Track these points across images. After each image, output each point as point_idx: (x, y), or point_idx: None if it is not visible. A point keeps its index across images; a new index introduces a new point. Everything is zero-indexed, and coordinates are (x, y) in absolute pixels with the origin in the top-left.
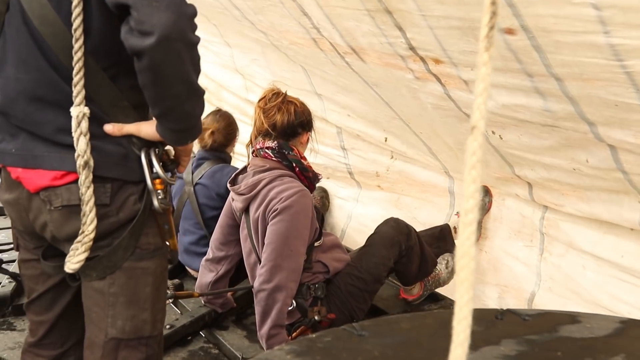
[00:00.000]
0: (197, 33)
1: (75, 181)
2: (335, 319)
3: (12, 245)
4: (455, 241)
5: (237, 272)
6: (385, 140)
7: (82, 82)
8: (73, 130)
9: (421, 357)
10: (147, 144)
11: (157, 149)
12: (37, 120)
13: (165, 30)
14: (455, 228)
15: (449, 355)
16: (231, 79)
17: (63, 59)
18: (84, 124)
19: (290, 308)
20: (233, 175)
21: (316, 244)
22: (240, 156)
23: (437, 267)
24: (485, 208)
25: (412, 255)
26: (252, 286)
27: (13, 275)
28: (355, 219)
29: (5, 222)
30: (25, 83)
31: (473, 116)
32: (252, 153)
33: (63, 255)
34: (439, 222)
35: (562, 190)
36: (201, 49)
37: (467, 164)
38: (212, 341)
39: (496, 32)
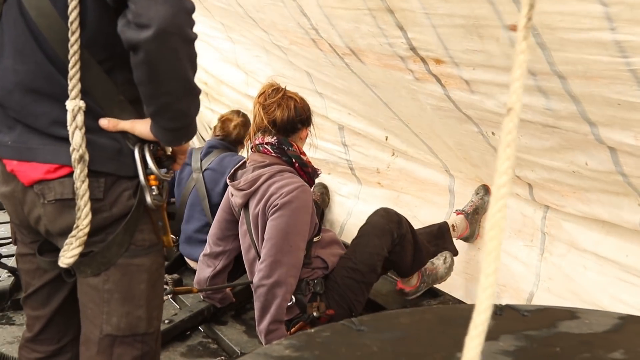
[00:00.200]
0: (201, 28)
1: (69, 175)
2: (335, 314)
3: (11, 240)
4: (453, 239)
5: (236, 267)
6: (386, 139)
7: (77, 76)
8: (68, 124)
9: (420, 352)
10: (142, 140)
11: (151, 145)
12: (32, 112)
13: (163, 23)
14: (453, 226)
15: (473, 317)
16: (232, 74)
17: (59, 51)
18: (80, 118)
19: (289, 304)
20: (232, 171)
21: (315, 239)
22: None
23: (435, 262)
24: (484, 207)
25: (405, 243)
26: (251, 282)
27: (11, 270)
28: (355, 216)
29: (5, 216)
30: (22, 75)
31: (510, 99)
32: (251, 149)
33: (58, 250)
34: (439, 221)
35: (562, 192)
36: (202, 43)
37: (502, 142)
38: (211, 336)
39: (501, 29)
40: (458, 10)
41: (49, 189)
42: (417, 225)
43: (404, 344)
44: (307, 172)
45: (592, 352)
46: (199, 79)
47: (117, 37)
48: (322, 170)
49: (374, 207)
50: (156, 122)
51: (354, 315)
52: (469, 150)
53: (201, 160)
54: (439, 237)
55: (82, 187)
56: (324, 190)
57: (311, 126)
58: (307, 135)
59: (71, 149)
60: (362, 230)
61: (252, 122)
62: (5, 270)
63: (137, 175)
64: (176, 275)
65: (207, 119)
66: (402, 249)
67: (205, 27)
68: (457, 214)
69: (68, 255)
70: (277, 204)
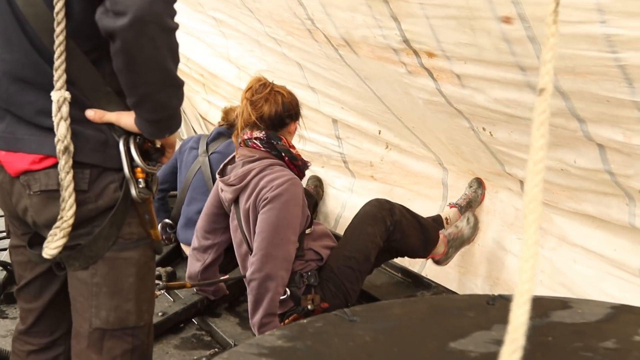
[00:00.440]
0: (192, 23)
1: (54, 166)
2: (330, 306)
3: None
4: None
5: (228, 259)
6: (379, 133)
7: (63, 66)
8: (53, 114)
9: (413, 342)
10: (129, 132)
11: (137, 137)
12: (18, 102)
13: (139, 11)
14: (447, 219)
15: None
16: (224, 68)
17: (45, 41)
18: (65, 109)
19: (283, 297)
20: (222, 166)
21: (307, 231)
22: None
23: (458, 225)
24: (478, 200)
25: (403, 228)
26: (244, 276)
27: (3, 264)
28: (349, 209)
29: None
30: (9, 64)
31: (542, 80)
32: (240, 143)
33: None
34: (432, 214)
35: (552, 190)
36: (193, 39)
37: (536, 121)
38: (204, 328)
39: (493, 21)
40: (452, 1)
41: (35, 180)
42: None
43: (397, 334)
44: (297, 166)
45: (585, 341)
46: (195, 72)
47: None
48: (316, 164)
49: (368, 200)
50: (138, 114)
51: (349, 306)
52: (461, 145)
53: (208, 145)
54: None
55: (66, 178)
56: (318, 183)
57: (300, 119)
58: (295, 129)
59: (56, 139)
60: (355, 220)
61: (239, 117)
62: None
63: (123, 168)
64: (170, 268)
65: (204, 110)
66: (403, 235)
67: (196, 22)
68: (451, 207)
69: (52, 246)
70: (268, 197)
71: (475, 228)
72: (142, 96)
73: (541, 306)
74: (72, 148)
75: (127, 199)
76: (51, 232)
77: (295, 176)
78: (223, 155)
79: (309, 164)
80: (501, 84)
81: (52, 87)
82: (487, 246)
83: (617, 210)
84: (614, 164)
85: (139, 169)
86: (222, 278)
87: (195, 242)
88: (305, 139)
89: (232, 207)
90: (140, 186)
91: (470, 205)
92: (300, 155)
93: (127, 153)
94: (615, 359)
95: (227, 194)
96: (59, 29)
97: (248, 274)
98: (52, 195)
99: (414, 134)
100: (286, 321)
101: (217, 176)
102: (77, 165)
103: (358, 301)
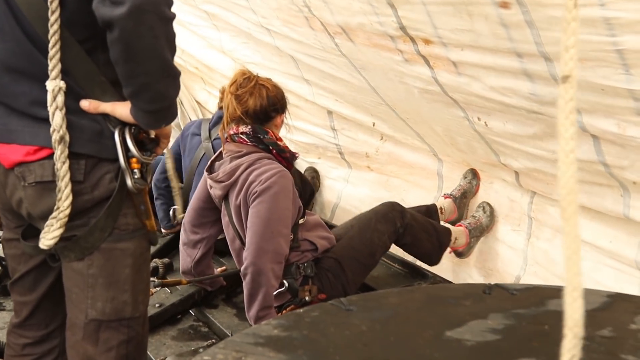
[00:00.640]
0: (185, 17)
1: (49, 157)
2: (328, 297)
3: None
4: (441, 222)
5: (225, 249)
6: (374, 125)
7: (58, 56)
8: (49, 104)
9: (409, 331)
10: (124, 122)
11: (132, 128)
12: (12, 92)
13: (137, 0)
14: (441, 209)
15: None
16: (219, 60)
17: (39, 30)
18: (60, 99)
19: (281, 289)
20: (209, 163)
21: (300, 221)
22: None
23: (476, 214)
24: (472, 191)
25: (414, 232)
26: (239, 270)
27: None
28: (344, 200)
29: None
30: (1, 53)
31: (567, 67)
32: (226, 139)
33: None
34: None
35: (546, 181)
36: (186, 32)
37: (564, 111)
38: (201, 319)
39: (491, 6)
40: None
41: (29, 171)
42: None
43: (393, 323)
44: (286, 157)
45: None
46: (189, 64)
47: None
48: (312, 155)
49: (364, 190)
50: (134, 104)
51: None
52: (456, 136)
53: (210, 130)
54: (427, 217)
55: (62, 168)
56: (315, 174)
57: (287, 111)
58: (282, 122)
59: (51, 129)
60: (365, 215)
61: (225, 112)
62: None
63: (118, 158)
64: (167, 259)
65: (203, 99)
66: (414, 239)
67: (189, 16)
68: (445, 198)
69: (48, 237)
70: (257, 191)
71: (492, 216)
72: (140, 86)
73: (537, 295)
74: (67, 138)
75: (123, 189)
76: (47, 222)
77: (284, 168)
78: None
79: (297, 155)
80: (497, 72)
81: (46, 77)
82: (481, 237)
83: (611, 202)
84: (609, 155)
85: (134, 160)
86: (217, 272)
87: (184, 237)
88: (291, 128)
89: (223, 204)
90: (136, 176)
91: (464, 196)
92: (287, 147)
93: (123, 143)
94: (611, 347)
95: (216, 191)
96: (53, 17)
97: (242, 268)
98: (47, 186)
99: (409, 125)
100: (283, 312)
101: (205, 173)
102: (72, 155)
103: (355, 291)
